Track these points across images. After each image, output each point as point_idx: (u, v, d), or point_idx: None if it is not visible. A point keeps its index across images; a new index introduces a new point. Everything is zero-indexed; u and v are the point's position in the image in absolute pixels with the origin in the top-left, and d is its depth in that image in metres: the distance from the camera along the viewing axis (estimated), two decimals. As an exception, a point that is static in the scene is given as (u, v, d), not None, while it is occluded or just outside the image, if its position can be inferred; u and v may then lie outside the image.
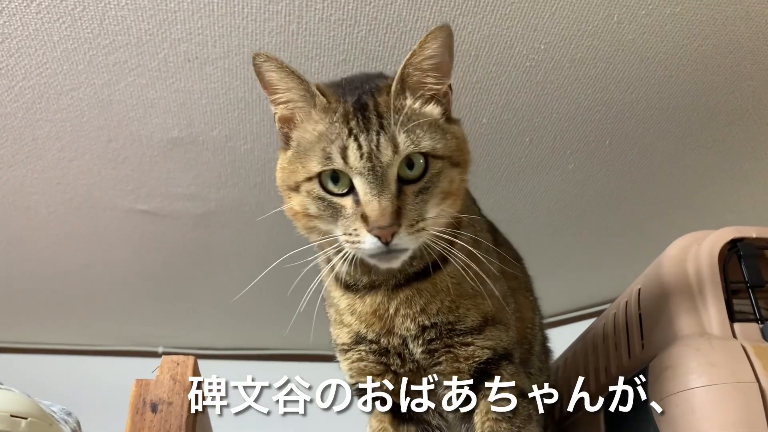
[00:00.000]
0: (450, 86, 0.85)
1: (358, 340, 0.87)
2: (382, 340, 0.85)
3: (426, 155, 0.77)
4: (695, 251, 0.94)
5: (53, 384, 2.13)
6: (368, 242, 0.76)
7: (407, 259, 0.81)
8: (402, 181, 0.77)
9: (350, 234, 0.77)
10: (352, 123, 0.78)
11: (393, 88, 0.80)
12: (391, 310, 0.84)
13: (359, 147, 0.76)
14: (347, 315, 0.87)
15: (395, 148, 0.76)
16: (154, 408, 0.63)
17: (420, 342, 0.83)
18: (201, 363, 2.90)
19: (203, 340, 2.58)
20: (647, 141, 1.57)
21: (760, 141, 1.56)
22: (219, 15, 1.25)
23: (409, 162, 0.77)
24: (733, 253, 0.92)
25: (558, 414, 1.08)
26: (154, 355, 2.58)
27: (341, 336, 0.89)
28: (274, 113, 0.86)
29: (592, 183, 1.70)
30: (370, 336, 0.85)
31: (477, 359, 0.83)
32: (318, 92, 0.81)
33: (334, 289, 0.88)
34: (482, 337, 0.83)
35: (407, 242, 0.76)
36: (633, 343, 1.01)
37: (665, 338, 0.91)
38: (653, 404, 0.86)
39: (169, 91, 1.40)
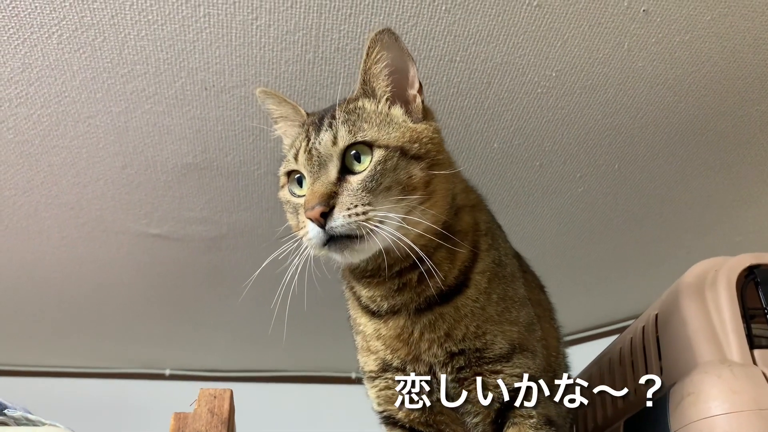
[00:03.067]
0: (420, 88, 0.87)
1: (385, 367, 0.88)
2: (408, 367, 0.85)
3: (371, 145, 0.80)
4: (712, 278, 0.95)
5: (59, 406, 2.13)
6: (311, 230, 0.79)
7: (415, 277, 0.83)
8: (348, 172, 0.80)
9: (301, 229, 0.81)
10: (311, 128, 0.85)
11: (352, 95, 0.86)
12: (416, 334, 0.84)
13: (307, 145, 0.83)
14: (373, 340, 0.88)
15: (334, 140, 0.81)
16: (193, 441, 0.64)
17: (449, 370, 0.84)
18: (207, 385, 2.89)
19: (210, 363, 2.58)
20: (655, 165, 1.59)
21: (767, 165, 1.58)
22: (237, 45, 1.27)
23: (356, 155, 0.80)
24: (750, 279, 0.93)
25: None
26: (161, 377, 2.58)
27: (368, 363, 0.90)
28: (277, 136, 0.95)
29: (600, 206, 1.72)
30: (396, 363, 0.86)
31: (507, 387, 0.83)
32: (301, 110, 0.91)
33: (360, 315, 0.89)
34: (511, 365, 0.83)
35: (342, 224, 0.76)
36: (651, 368, 1.02)
37: (685, 364, 0.92)
38: None
39: (185, 118, 1.42)
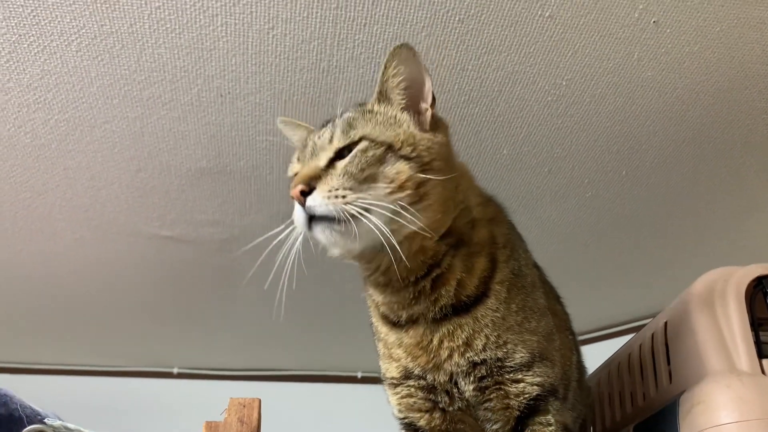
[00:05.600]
0: (433, 102, 0.89)
1: (407, 375, 0.89)
2: (428, 376, 0.87)
3: (361, 138, 0.83)
4: (721, 288, 0.97)
5: (68, 403, 2.16)
6: (296, 210, 0.82)
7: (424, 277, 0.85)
8: (340, 158, 0.83)
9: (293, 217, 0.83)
10: (312, 135, 0.89)
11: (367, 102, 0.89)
12: (435, 342, 0.86)
13: (306, 150, 0.87)
14: (395, 348, 0.89)
15: (331, 138, 0.84)
16: (224, 450, 0.66)
17: (471, 379, 0.85)
18: (214, 384, 2.91)
19: (217, 361, 2.60)
20: (662, 171, 1.61)
21: (773, 172, 1.60)
22: (253, 53, 1.29)
23: (350, 147, 0.83)
24: (759, 290, 0.95)
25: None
26: (169, 375, 2.61)
27: (390, 370, 0.91)
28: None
29: (607, 211, 1.74)
30: (417, 371, 0.88)
31: (527, 395, 0.85)
32: (310, 127, 0.95)
33: (381, 325, 0.91)
34: (531, 374, 0.85)
35: (320, 204, 0.78)
36: (660, 375, 1.05)
37: (694, 373, 0.94)
38: (684, 439, 0.89)
39: (200, 124, 1.44)
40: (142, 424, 2.49)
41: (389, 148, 0.82)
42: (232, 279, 2.00)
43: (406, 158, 0.82)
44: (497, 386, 0.85)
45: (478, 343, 0.85)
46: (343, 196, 0.78)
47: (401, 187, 0.80)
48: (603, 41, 1.29)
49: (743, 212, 1.73)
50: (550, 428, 0.84)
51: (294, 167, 0.89)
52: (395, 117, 0.87)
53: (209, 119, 1.43)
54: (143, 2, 1.19)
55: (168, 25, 1.23)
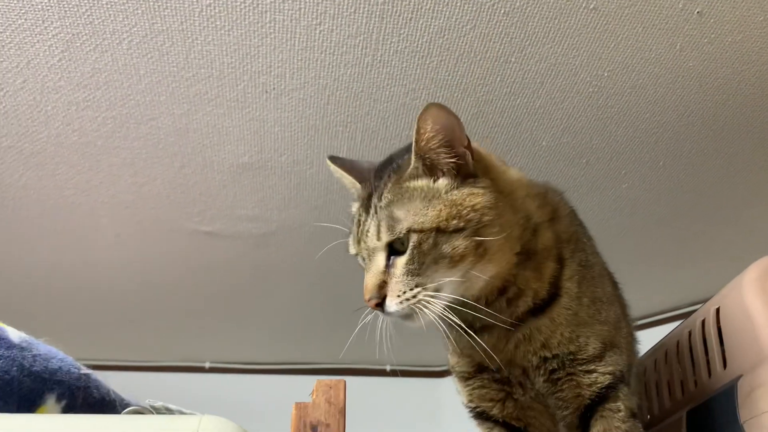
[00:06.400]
0: (468, 144, 0.85)
1: (480, 369, 0.91)
2: (503, 370, 0.89)
3: (409, 230, 0.81)
4: (776, 274, 0.99)
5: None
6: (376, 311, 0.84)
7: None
8: (396, 254, 0.82)
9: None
10: (361, 211, 0.88)
11: (402, 165, 0.86)
12: (510, 346, 0.87)
13: (355, 235, 0.88)
14: (468, 349, 0.90)
15: (378, 234, 0.83)
16: (314, 429, 0.68)
17: (541, 372, 0.87)
18: (245, 378, 2.93)
19: (247, 355, 2.63)
20: (699, 161, 1.61)
21: (812, 161, 1.60)
22: (299, 49, 1.31)
23: (401, 240, 0.82)
24: (814, 274, 0.97)
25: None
26: (201, 370, 2.64)
27: (461, 364, 0.93)
28: None
29: (642, 202, 1.75)
30: (493, 366, 0.89)
31: (599, 385, 0.86)
32: (357, 184, 0.94)
33: (451, 331, 0.92)
34: (603, 364, 0.86)
35: (396, 310, 0.81)
36: (713, 361, 1.06)
37: (752, 358, 0.96)
38: (745, 422, 0.90)
39: (245, 120, 1.46)
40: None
41: (438, 231, 0.80)
42: (268, 274, 2.02)
43: (457, 231, 0.81)
44: (569, 377, 0.87)
45: (554, 342, 0.86)
46: (413, 296, 0.80)
47: (462, 258, 0.81)
48: (646, 32, 1.30)
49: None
50: (620, 414, 0.86)
51: (352, 248, 0.90)
52: (434, 188, 0.83)
53: (253, 115, 1.46)
54: (195, 0, 1.21)
55: (218, 23, 1.25)
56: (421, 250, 0.80)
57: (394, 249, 0.82)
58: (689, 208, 1.77)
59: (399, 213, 0.82)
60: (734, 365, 1.00)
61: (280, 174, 1.62)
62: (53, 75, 1.33)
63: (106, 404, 0.67)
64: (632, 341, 0.97)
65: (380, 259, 0.83)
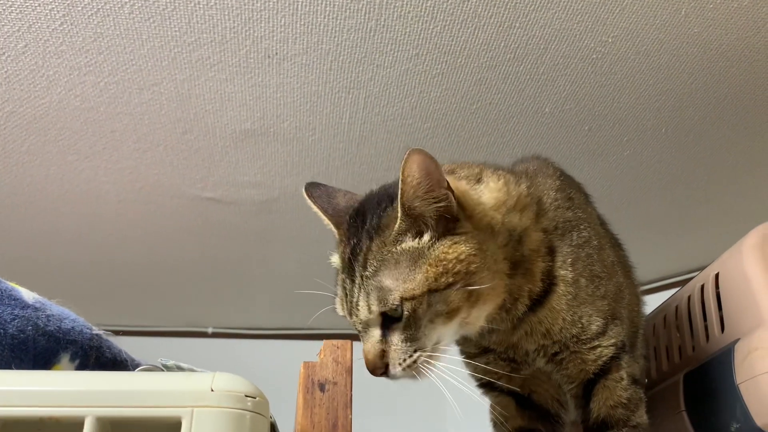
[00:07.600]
0: (448, 185, 0.81)
1: (486, 351, 0.93)
2: (508, 351, 0.91)
3: (402, 300, 0.79)
4: (776, 239, 1.00)
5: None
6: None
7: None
8: (390, 319, 0.80)
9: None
10: (344, 277, 0.85)
11: (382, 237, 0.82)
12: (515, 339, 0.90)
13: (343, 303, 0.85)
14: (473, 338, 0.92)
15: (369, 309, 0.80)
16: (322, 387, 0.70)
17: (542, 354, 0.89)
18: (248, 343, 2.96)
19: (249, 321, 2.66)
20: (702, 128, 1.61)
21: (813, 128, 1.60)
22: (302, 13, 1.30)
23: (393, 308, 0.80)
24: (814, 240, 0.98)
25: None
26: (204, 335, 2.67)
27: (466, 345, 0.95)
28: None
29: (644, 169, 1.75)
30: (498, 349, 0.92)
31: (604, 358, 0.88)
32: (334, 228, 0.91)
33: None
34: (606, 338, 0.88)
35: (400, 374, 0.81)
36: (711, 325, 1.07)
37: (749, 321, 0.97)
38: (740, 384, 0.92)
39: (247, 85, 1.46)
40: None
41: (429, 292, 0.78)
42: (270, 240, 2.04)
43: (448, 287, 0.79)
44: (573, 355, 0.88)
45: (556, 329, 0.87)
46: (414, 361, 0.80)
47: (457, 310, 0.80)
48: (651, -3, 1.29)
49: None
50: (622, 383, 0.88)
51: (339, 310, 0.88)
52: (419, 249, 0.80)
53: (256, 80, 1.45)
54: (197, -37, 1.20)
55: (220, -14, 1.24)
56: (416, 316, 0.79)
57: (388, 315, 0.80)
58: (691, 174, 1.77)
59: (388, 282, 0.79)
60: (732, 329, 1.02)
61: (282, 140, 1.62)
62: (55, 39, 1.33)
63: (118, 363, 0.68)
64: (638, 304, 0.98)
65: (375, 330, 0.82)
